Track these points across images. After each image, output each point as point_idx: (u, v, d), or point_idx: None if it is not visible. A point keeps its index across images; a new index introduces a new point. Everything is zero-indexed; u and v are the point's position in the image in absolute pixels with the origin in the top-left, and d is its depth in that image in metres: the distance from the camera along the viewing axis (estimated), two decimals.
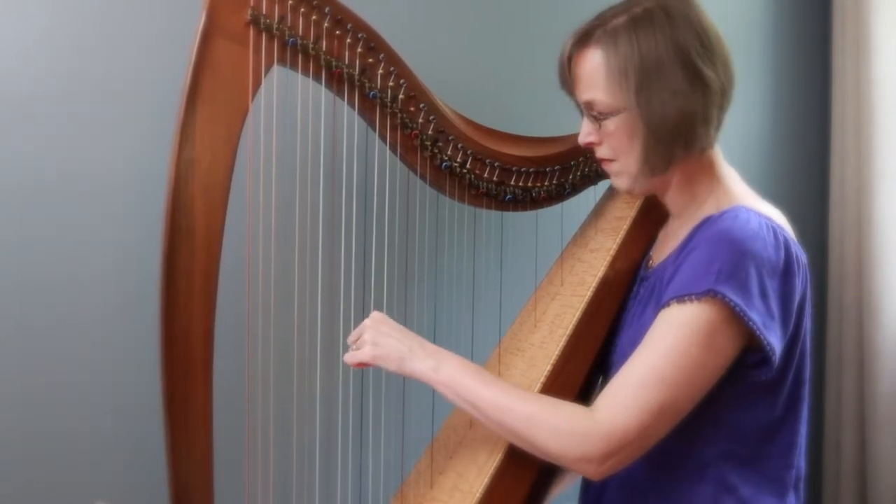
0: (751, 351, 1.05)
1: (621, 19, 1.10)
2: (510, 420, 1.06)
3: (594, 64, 1.11)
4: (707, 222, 1.08)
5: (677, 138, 1.10)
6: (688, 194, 1.17)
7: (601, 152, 1.17)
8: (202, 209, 1.03)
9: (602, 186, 1.38)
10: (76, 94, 1.38)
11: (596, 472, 1.03)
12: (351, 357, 1.14)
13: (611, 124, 1.12)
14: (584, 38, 1.13)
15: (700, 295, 1.01)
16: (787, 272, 1.04)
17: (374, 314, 1.16)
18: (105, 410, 1.42)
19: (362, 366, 1.15)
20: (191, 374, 1.03)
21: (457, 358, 1.12)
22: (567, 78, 1.17)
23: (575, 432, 1.03)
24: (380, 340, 1.13)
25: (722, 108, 1.13)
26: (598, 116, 1.13)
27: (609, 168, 1.19)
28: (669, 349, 1.01)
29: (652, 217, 1.28)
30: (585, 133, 1.17)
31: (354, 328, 1.23)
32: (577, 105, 1.20)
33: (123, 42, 1.40)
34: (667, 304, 1.04)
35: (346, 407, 1.32)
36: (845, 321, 2.05)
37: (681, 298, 1.02)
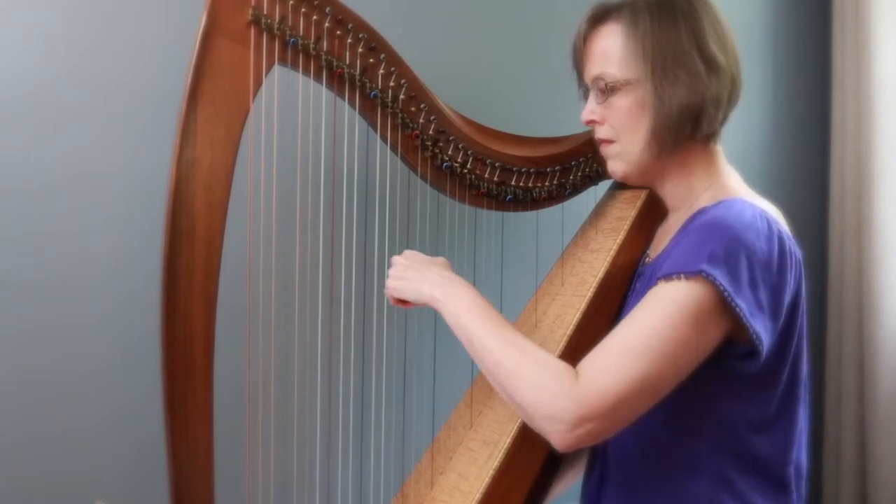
0: (739, 343, 1.04)
1: (641, 2, 1.13)
2: (491, 361, 1.05)
3: (611, 38, 1.14)
4: (701, 212, 1.09)
5: (687, 116, 1.11)
6: (685, 186, 1.17)
7: (602, 132, 1.18)
8: (203, 209, 1.03)
9: (602, 187, 1.38)
10: (77, 94, 1.38)
11: (563, 437, 0.99)
12: (387, 292, 1.18)
13: (619, 99, 1.14)
14: (602, 15, 1.16)
15: (690, 274, 1.00)
16: (778, 265, 1.04)
17: (406, 251, 1.20)
18: (105, 411, 1.42)
19: (401, 304, 1.18)
20: (191, 374, 1.03)
21: (470, 291, 1.11)
22: (580, 54, 1.19)
23: (552, 388, 0.99)
24: (400, 273, 1.16)
25: (730, 100, 1.15)
26: (606, 90, 1.14)
27: (608, 150, 1.19)
28: (657, 319, 1.00)
29: (652, 217, 1.28)
30: (589, 111, 1.18)
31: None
32: (583, 87, 1.21)
33: (124, 42, 1.40)
34: (659, 281, 1.03)
35: (346, 407, 1.32)
36: (845, 321, 2.05)
37: (668, 276, 1.01)
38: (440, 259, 1.19)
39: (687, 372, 1.01)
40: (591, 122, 1.19)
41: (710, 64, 1.11)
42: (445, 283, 1.12)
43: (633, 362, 0.98)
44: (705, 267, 0.99)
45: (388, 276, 1.19)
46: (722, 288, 0.99)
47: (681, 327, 0.99)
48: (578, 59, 1.20)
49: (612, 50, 1.14)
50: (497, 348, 1.04)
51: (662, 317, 1.00)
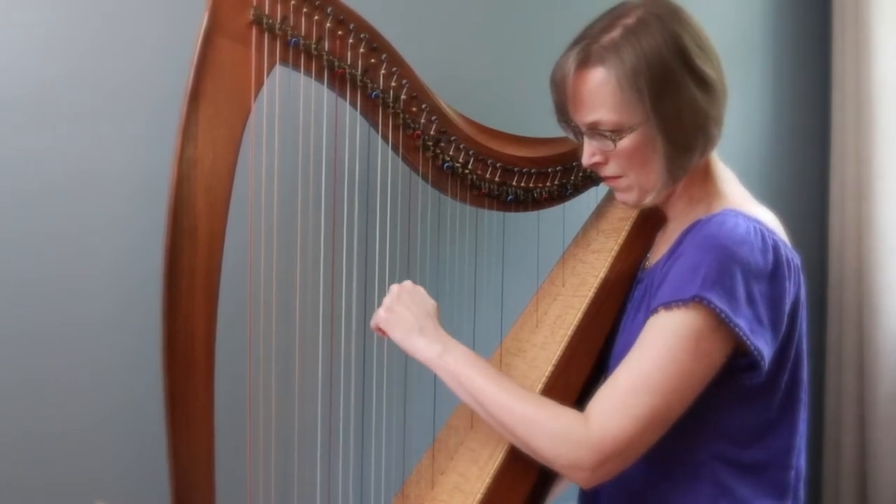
0: (740, 355, 1.05)
1: (616, 32, 1.07)
2: (508, 418, 1.07)
3: (600, 82, 1.08)
4: (696, 226, 1.08)
5: (696, 143, 1.10)
6: (684, 199, 1.17)
7: (608, 171, 1.15)
8: (204, 209, 1.03)
9: (603, 187, 1.38)
10: (77, 94, 1.38)
11: (587, 480, 1.04)
12: (372, 320, 1.18)
13: (626, 142, 1.09)
14: (583, 59, 1.09)
15: (686, 301, 1.01)
16: (775, 276, 1.04)
17: (406, 283, 1.18)
18: (105, 410, 1.42)
19: (379, 332, 1.17)
20: (192, 374, 1.03)
21: (464, 348, 1.13)
22: (565, 103, 1.13)
23: (569, 439, 1.03)
24: (395, 308, 1.15)
25: (724, 107, 1.12)
26: (611, 137, 1.10)
27: (617, 184, 1.17)
28: (658, 356, 1.01)
29: (652, 219, 1.28)
30: (590, 154, 1.14)
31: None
32: (571, 129, 1.16)
33: (126, 42, 1.40)
34: (655, 311, 1.04)
35: (347, 407, 1.32)
36: (845, 321, 2.05)
37: (668, 305, 1.02)
38: (433, 305, 1.17)
39: (695, 396, 1.03)
40: (595, 165, 1.15)
41: (704, 84, 1.08)
42: (439, 338, 1.13)
43: (639, 401, 1.01)
44: (700, 292, 1.00)
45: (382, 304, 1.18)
46: (719, 310, 1.00)
47: (682, 359, 1.01)
48: (562, 101, 1.14)
49: (602, 94, 1.08)
50: (507, 404, 1.07)
51: (663, 351, 1.01)
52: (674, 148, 1.09)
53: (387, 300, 1.16)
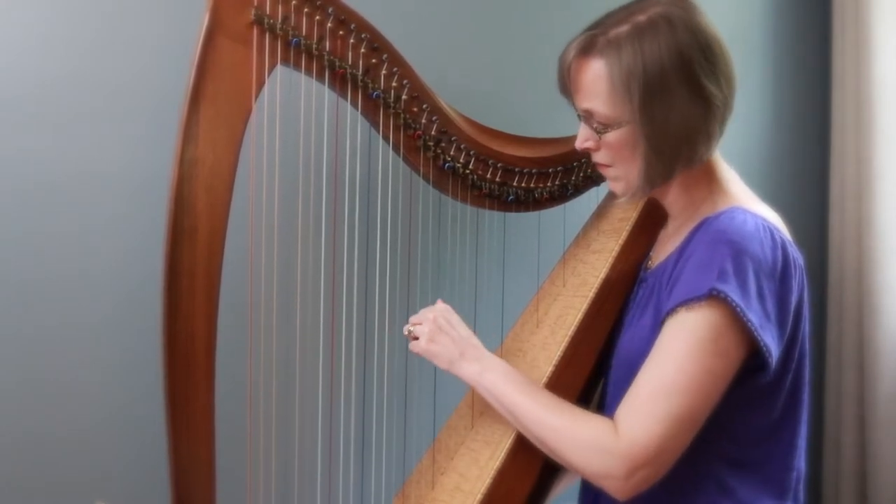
0: (750, 354, 1.04)
1: (624, 28, 1.08)
2: (540, 430, 1.09)
3: (596, 74, 1.09)
4: (704, 224, 1.08)
5: (678, 155, 1.10)
6: (686, 198, 1.17)
7: (598, 157, 1.17)
8: (205, 209, 1.03)
9: (605, 188, 1.38)
10: (77, 94, 1.38)
11: (622, 490, 1.03)
12: (411, 346, 1.20)
13: (611, 136, 1.11)
14: (586, 47, 1.10)
15: (703, 297, 1.01)
16: (783, 274, 1.04)
17: (440, 306, 1.21)
18: (106, 410, 1.42)
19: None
20: (193, 374, 1.03)
21: (501, 364, 1.16)
22: (567, 85, 1.15)
23: (598, 449, 1.03)
24: (436, 338, 1.17)
25: (724, 122, 1.12)
26: (597, 128, 1.12)
27: (606, 173, 1.19)
28: (677, 357, 1.01)
29: (653, 218, 1.28)
30: (583, 138, 1.16)
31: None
32: (575, 109, 1.18)
33: (127, 41, 1.40)
34: (674, 312, 1.03)
35: (348, 407, 1.32)
36: (845, 321, 2.05)
37: (688, 304, 1.02)
38: (459, 320, 1.20)
39: (718, 396, 1.03)
40: (587, 149, 1.17)
41: (699, 97, 1.07)
42: (478, 357, 1.16)
43: (662, 406, 1.01)
44: (716, 284, 1.00)
45: (413, 325, 1.20)
46: (734, 304, 1.00)
47: (703, 359, 1.01)
48: (565, 86, 1.16)
49: (598, 86, 1.09)
50: (540, 417, 1.09)
51: (682, 354, 1.01)
52: (654, 154, 1.09)
53: (426, 329, 1.18)
